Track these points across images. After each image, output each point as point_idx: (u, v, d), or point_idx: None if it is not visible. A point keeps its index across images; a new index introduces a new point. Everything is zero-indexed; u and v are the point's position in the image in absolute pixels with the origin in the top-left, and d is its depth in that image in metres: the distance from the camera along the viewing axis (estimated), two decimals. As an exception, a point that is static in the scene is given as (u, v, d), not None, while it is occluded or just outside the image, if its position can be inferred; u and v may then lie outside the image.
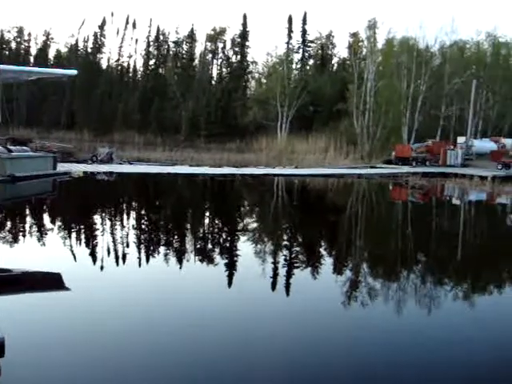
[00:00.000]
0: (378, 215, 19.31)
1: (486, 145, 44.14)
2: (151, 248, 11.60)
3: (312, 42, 70.88)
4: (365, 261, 11.76)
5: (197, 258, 10.67)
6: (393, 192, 27.64)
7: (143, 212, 17.96)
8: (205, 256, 10.92)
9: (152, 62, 74.81)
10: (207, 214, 18.55)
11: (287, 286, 9.00)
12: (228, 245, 12.73)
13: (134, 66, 76.37)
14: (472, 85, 46.02)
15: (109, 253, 10.29)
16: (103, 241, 11.38)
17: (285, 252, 11.96)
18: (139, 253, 10.68)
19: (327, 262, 11.08)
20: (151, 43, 74.33)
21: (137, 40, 74.87)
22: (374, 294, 8.54)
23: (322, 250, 12.88)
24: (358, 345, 6.47)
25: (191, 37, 72.85)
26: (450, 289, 9.34)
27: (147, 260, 10.15)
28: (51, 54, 77.81)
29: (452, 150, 39.29)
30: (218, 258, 10.77)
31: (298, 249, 12.74)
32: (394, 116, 47.76)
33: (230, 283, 8.96)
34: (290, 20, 68.23)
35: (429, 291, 9.03)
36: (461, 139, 44.27)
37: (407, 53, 49.30)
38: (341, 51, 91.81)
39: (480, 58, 54.33)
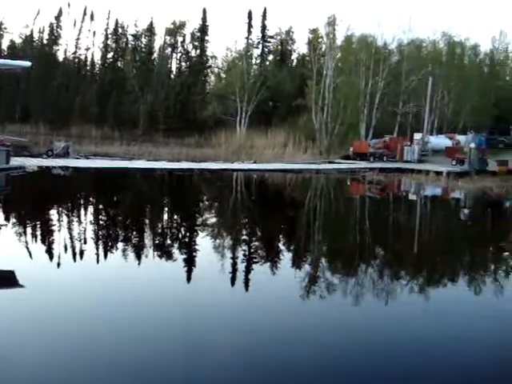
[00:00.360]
0: (335, 210, 19.50)
1: (441, 141, 44.96)
2: (107, 244, 11.46)
3: (272, 37, 71.11)
4: (323, 255, 11.86)
5: (152, 253, 10.59)
6: (351, 187, 27.94)
7: (99, 207, 17.73)
8: (160, 251, 10.86)
9: (110, 55, 73.84)
10: (163, 209, 18.43)
11: (246, 281, 9.02)
12: (185, 240, 12.68)
13: (92, 58, 75.26)
14: (428, 82, 46.77)
15: (66, 249, 10.12)
16: (59, 237, 11.19)
17: (242, 247, 11.95)
18: (96, 249, 10.54)
19: (286, 257, 11.14)
20: (109, 36, 73.32)
21: (94, 32, 73.79)
22: (333, 287, 8.64)
23: (280, 244, 12.94)
24: (317, 339, 6.53)
25: (150, 30, 72.08)
26: (406, 281, 9.52)
27: (105, 256, 10.03)
28: (4, 44, 75.83)
29: (409, 146, 39.82)
30: (174, 253, 10.72)
31: (256, 244, 12.74)
32: (352, 112, 48.21)
33: (188, 278, 8.94)
34: (249, 15, 68.28)
35: (386, 284, 9.19)
36: (417, 135, 44.94)
37: (366, 50, 49.77)
38: (300, 47, 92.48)
39: (436, 56, 55.28)
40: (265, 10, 68.92)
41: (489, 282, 10.09)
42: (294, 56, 73.58)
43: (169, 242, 12.39)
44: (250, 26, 67.92)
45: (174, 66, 74.52)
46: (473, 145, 32.57)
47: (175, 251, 10.99)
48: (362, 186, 27.18)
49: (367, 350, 6.33)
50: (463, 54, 60.36)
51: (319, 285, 8.89)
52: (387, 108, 51.84)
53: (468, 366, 6.03)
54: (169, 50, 73.61)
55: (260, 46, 69.47)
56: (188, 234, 13.76)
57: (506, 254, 13.36)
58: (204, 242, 11.93)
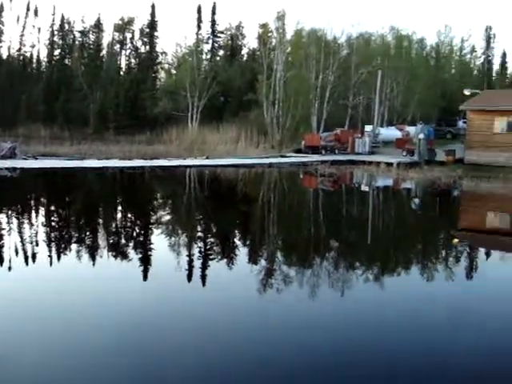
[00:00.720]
0: (289, 204, 19.54)
1: (391, 133, 45.58)
2: (56, 246, 11.20)
3: (222, 32, 70.78)
4: (278, 248, 11.87)
5: (105, 253, 10.41)
6: (303, 180, 28.08)
7: (50, 208, 17.33)
8: (112, 251, 10.67)
9: (57, 52, 72.22)
10: (114, 208, 18.11)
11: (203, 276, 8.97)
12: (137, 239, 12.50)
13: (38, 56, 73.62)
14: (377, 75, 47.37)
15: (17, 252, 9.84)
16: (9, 240, 10.87)
17: (196, 244, 11.87)
18: (47, 251, 10.32)
19: (241, 252, 11.09)
20: (55, 32, 71.73)
21: (39, 29, 72.17)
22: (289, 280, 8.66)
23: (234, 239, 12.89)
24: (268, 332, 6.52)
25: (98, 26, 70.88)
26: (361, 271, 9.61)
27: (58, 258, 9.80)
28: None
29: (360, 138, 40.24)
30: (127, 252, 10.57)
31: (210, 240, 12.65)
32: (303, 106, 48.45)
33: (145, 277, 8.83)
34: (199, 10, 67.80)
35: (341, 274, 9.27)
36: (368, 127, 45.49)
37: (315, 44, 50.06)
38: (250, 42, 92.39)
39: (384, 49, 56.06)
40: (214, 4, 68.70)
41: (439, 268, 10.28)
42: (245, 51, 73.64)
43: (122, 241, 12.19)
44: (199, 21, 67.49)
45: (123, 63, 73.67)
46: (422, 136, 33.12)
47: (129, 250, 10.85)
48: (314, 179, 27.33)
49: (325, 337, 6.38)
50: (410, 48, 61.42)
51: (276, 278, 8.89)
52: (338, 101, 52.31)
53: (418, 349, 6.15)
54: (117, 46, 72.65)
55: (210, 41, 69.16)
56: (141, 232, 13.58)
57: (456, 240, 13.63)
58: (159, 240, 11.81)
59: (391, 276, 9.69)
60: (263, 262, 10.25)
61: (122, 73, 71.61)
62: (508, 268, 10.86)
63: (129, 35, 72.23)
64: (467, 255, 12.01)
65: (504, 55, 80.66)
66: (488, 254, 12.35)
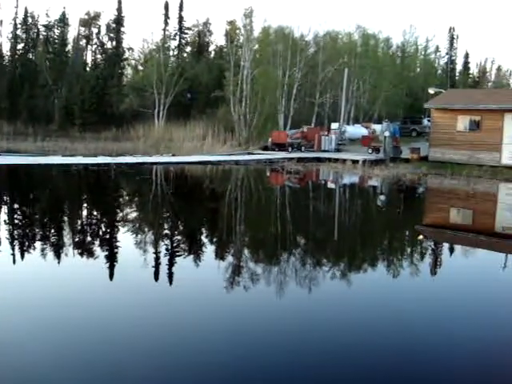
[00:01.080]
0: (255, 201, 19.52)
1: (357, 130, 46.00)
2: (15, 244, 11.02)
3: (189, 29, 70.43)
4: (245, 245, 11.86)
5: (70, 251, 10.27)
6: (270, 178, 28.09)
7: (7, 206, 17.02)
8: (75, 249, 10.54)
9: (20, 46, 70.84)
10: (75, 205, 17.86)
11: (170, 274, 8.92)
12: (104, 237, 12.35)
13: (0, 50, 72.04)
14: (344, 73, 47.69)
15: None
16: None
17: (164, 241, 11.80)
18: (7, 249, 10.12)
19: (208, 249, 11.06)
20: (19, 26, 70.33)
21: (1, 21, 70.63)
22: (256, 277, 8.66)
23: (200, 237, 12.84)
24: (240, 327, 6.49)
25: (63, 21, 69.68)
26: (328, 267, 9.67)
27: (15, 258, 9.63)
28: None
29: (326, 135, 40.42)
30: (93, 250, 10.46)
31: (176, 238, 12.58)
32: (270, 103, 48.53)
33: (111, 276, 8.73)
34: (166, 6, 67.28)
35: (307, 271, 9.30)
36: (334, 125, 45.78)
37: (283, 41, 50.18)
38: (218, 39, 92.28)
39: (351, 47, 56.50)
40: (181, 1, 68.23)
41: (403, 263, 10.41)
42: (212, 48, 73.45)
43: (81, 239, 12.02)
44: (166, 17, 66.99)
45: (89, 58, 72.79)
46: (387, 133, 33.44)
47: (90, 249, 10.72)
48: (280, 176, 27.37)
49: (289, 335, 6.40)
50: (377, 46, 62.11)
51: (242, 275, 8.89)
52: (305, 98, 52.58)
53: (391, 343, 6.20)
54: (83, 41, 71.65)
55: (177, 38, 68.69)
56: (106, 230, 13.42)
57: (421, 236, 13.81)
58: (124, 239, 11.67)
59: (357, 272, 9.76)
60: (229, 259, 10.22)
61: (88, 68, 70.67)
62: (469, 262, 11.04)
63: (95, 30, 71.48)
64: (431, 250, 12.18)
65: (467, 55, 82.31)
66: (452, 250, 12.54)
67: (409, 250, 12.31)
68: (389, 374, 5.53)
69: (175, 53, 68.08)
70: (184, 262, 9.62)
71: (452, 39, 77.91)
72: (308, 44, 54.33)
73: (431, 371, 5.54)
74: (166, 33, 66.56)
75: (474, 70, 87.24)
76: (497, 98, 32.27)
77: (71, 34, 71.48)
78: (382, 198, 22.20)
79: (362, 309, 7.48)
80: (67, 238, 11.57)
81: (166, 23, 66.90)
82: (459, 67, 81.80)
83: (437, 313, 7.37)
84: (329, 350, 6.01)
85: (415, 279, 9.24)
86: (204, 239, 12.50)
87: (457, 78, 78.43)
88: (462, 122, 31.85)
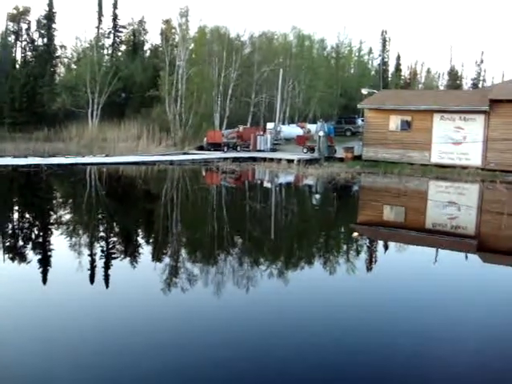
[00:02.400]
0: (191, 201, 19.34)
1: (293, 130, 46.40)
2: None
3: (124, 27, 69.22)
4: (183, 246, 11.73)
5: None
6: (205, 177, 27.94)
7: None
8: (9, 253, 10.19)
9: None
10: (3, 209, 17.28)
11: (106, 277, 8.75)
12: (37, 240, 11.99)
13: None
14: (279, 73, 48.03)
15: None
16: None
17: (99, 243, 11.52)
18: None
19: (145, 251, 10.87)
20: None
21: None
22: (194, 278, 8.59)
23: (138, 238, 12.63)
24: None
25: (-11, 16, 67.41)
26: (266, 266, 9.69)
27: None
28: None
29: (262, 135, 40.58)
30: (25, 255, 10.14)
31: (114, 239, 12.32)
32: (206, 103, 48.37)
33: (44, 280, 8.47)
34: (100, 3, 65.82)
35: (247, 271, 9.28)
36: (270, 125, 46.06)
37: (218, 41, 50.12)
38: (153, 38, 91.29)
39: (286, 48, 56.98)
40: (116, -2, 67.01)
41: (338, 260, 10.55)
42: (147, 47, 72.44)
43: (15, 242, 11.64)
44: (100, 14, 65.59)
45: (18, 56, 70.41)
46: (322, 133, 33.87)
47: (27, 253, 10.40)
48: (216, 176, 27.27)
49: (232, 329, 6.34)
50: (312, 47, 62.85)
51: (180, 276, 8.80)
52: (240, 98, 52.67)
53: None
54: (12, 37, 69.36)
55: (111, 36, 67.48)
56: (38, 233, 13.02)
57: (356, 234, 14.03)
58: (57, 241, 11.36)
59: (294, 270, 9.81)
60: (165, 260, 10.09)
61: (17, 66, 68.42)
62: (403, 257, 11.28)
63: (24, 26, 69.19)
64: (365, 247, 12.39)
65: (398, 57, 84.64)
66: (386, 246, 12.79)
67: (344, 246, 12.47)
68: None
69: (109, 51, 66.91)
70: (120, 264, 9.43)
71: (384, 42, 79.91)
72: (244, 44, 54.45)
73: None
74: (100, 31, 65.31)
75: (405, 71, 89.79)
76: (426, 99, 33.26)
77: (-2, 29, 68.94)
78: (317, 196, 22.44)
79: (297, 308, 7.52)
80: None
81: (100, 21, 65.57)
82: (391, 69, 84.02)
83: (371, 307, 7.49)
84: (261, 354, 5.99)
85: (351, 276, 9.37)
86: (139, 240, 12.29)
87: (389, 79, 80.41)
88: (394, 122, 32.66)
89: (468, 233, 14.90)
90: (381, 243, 13.24)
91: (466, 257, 11.61)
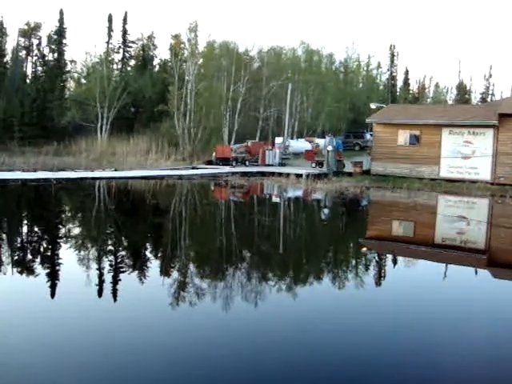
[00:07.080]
0: (200, 215, 19.34)
1: (301, 145, 46.42)
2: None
3: (133, 42, 69.74)
4: (191, 260, 11.71)
5: (9, 270, 9.94)
6: (214, 192, 27.94)
7: None
8: (18, 267, 10.20)
9: (-45, 57, 68.61)
10: (13, 222, 17.33)
11: (114, 290, 8.74)
12: (46, 254, 11.99)
13: None
14: (288, 88, 48.18)
15: None
16: None
17: (107, 258, 11.51)
18: None
19: (153, 265, 10.84)
20: (-47, 35, 68.14)
21: None
22: (202, 292, 8.56)
23: (147, 252, 12.61)
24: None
25: (1, 30, 67.96)
26: (275, 280, 9.66)
27: None
28: None
29: (270, 150, 40.63)
30: (36, 268, 10.13)
31: (122, 253, 12.30)
32: (214, 117, 48.52)
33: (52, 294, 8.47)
34: (110, 19, 66.49)
35: (256, 285, 9.26)
36: (278, 139, 46.13)
37: (227, 56, 50.38)
38: (162, 53, 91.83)
39: (295, 63, 57.23)
40: (126, 14, 67.59)
41: (348, 275, 10.50)
42: (156, 61, 72.86)
43: (24, 256, 11.65)
44: (110, 29, 66.21)
45: (29, 70, 70.96)
46: (330, 148, 33.85)
47: (35, 267, 10.40)
48: (224, 191, 27.27)
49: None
50: (320, 62, 63.10)
51: (188, 290, 8.79)
52: (249, 113, 52.83)
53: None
54: (23, 52, 69.96)
55: (121, 51, 67.99)
56: (47, 247, 13.03)
57: (364, 249, 13.95)
58: (66, 255, 11.37)
59: (303, 284, 9.78)
60: (175, 275, 10.06)
61: (28, 81, 68.94)
62: (412, 273, 11.20)
63: (35, 41, 69.82)
64: (375, 262, 12.31)
65: (407, 72, 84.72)
66: (395, 261, 12.71)
67: (353, 261, 12.40)
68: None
69: (119, 66, 67.38)
70: (128, 278, 9.42)
71: (393, 56, 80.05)
72: (252, 59, 54.73)
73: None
74: (110, 46, 65.88)
75: (413, 86, 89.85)
76: (435, 113, 33.23)
77: (10, 44, 69.67)
78: (326, 211, 22.38)
79: (306, 321, 7.47)
80: (5, 257, 11.18)
81: (110, 36, 66.17)
82: (400, 83, 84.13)
83: (380, 320, 7.44)
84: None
85: (360, 290, 9.31)
86: (148, 255, 12.26)
87: (398, 93, 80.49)
88: (403, 137, 32.62)
89: (478, 247, 14.80)
90: (390, 258, 13.16)
91: (476, 272, 11.52)
